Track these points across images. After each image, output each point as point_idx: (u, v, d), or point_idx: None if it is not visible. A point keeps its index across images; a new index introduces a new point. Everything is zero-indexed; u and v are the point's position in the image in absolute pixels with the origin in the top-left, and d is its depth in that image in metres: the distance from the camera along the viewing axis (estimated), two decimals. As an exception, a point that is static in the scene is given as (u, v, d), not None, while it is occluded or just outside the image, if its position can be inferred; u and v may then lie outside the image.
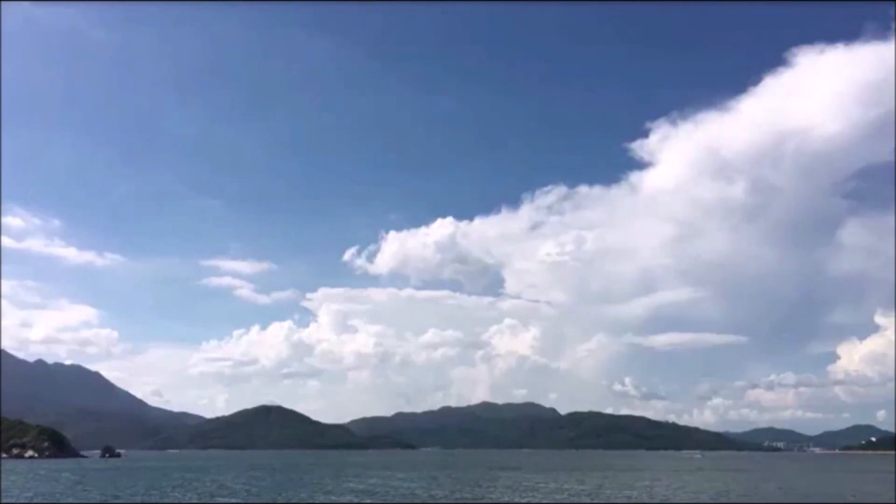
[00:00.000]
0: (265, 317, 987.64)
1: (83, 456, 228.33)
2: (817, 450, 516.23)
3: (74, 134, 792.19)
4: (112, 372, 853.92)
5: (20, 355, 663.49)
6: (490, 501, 61.25)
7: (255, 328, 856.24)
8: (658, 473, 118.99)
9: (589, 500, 62.99)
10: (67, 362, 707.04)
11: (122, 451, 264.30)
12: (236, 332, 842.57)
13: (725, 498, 68.41)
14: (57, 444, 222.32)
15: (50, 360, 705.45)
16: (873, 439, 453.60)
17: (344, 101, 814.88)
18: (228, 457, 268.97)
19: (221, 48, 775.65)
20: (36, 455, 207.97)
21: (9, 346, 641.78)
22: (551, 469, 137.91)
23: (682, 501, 63.73)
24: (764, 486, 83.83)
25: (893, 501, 62.61)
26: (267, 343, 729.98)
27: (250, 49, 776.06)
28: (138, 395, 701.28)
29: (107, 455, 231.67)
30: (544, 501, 61.39)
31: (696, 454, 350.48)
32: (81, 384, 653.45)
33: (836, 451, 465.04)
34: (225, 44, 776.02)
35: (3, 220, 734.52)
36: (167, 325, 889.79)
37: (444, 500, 61.00)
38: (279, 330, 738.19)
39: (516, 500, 62.86)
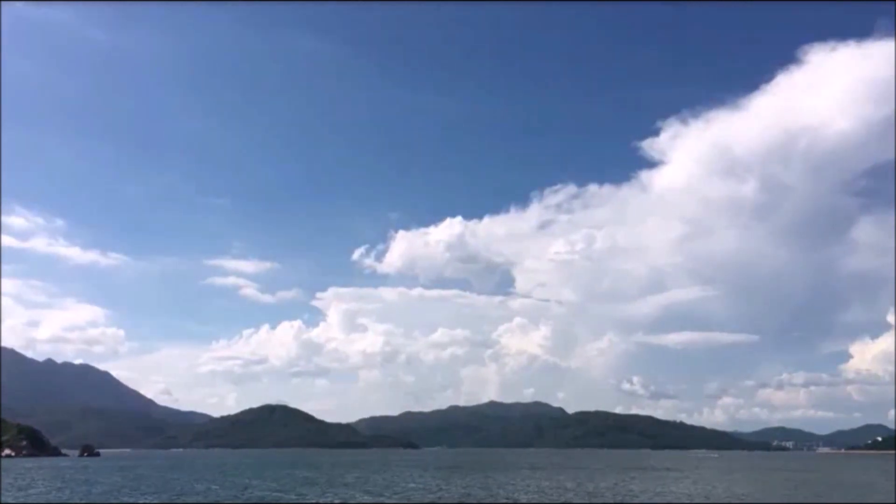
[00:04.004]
0: (275, 316, 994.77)
1: (64, 455, 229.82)
2: (826, 449, 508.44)
3: (75, 133, 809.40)
4: (121, 371, 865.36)
5: (28, 354, 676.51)
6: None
7: (265, 327, 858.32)
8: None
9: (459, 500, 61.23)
10: (77, 361, 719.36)
11: (101, 451, 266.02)
12: (246, 332, 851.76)
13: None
14: (35, 443, 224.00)
15: (58, 360, 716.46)
16: (879, 439, 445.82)
17: (351, 100, 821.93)
18: (214, 455, 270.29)
19: (224, 48, 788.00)
20: (13, 454, 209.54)
21: (17, 345, 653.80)
22: (517, 468, 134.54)
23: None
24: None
25: (893, 502, 61.92)
26: (276, 342, 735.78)
27: (254, 49, 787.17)
28: (148, 394, 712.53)
29: (85, 454, 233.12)
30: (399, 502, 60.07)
31: (714, 454, 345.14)
32: (90, 383, 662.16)
33: (842, 450, 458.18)
34: (228, 44, 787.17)
35: (6, 219, 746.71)
36: (174, 325, 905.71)
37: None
38: (289, 329, 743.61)
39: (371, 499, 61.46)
